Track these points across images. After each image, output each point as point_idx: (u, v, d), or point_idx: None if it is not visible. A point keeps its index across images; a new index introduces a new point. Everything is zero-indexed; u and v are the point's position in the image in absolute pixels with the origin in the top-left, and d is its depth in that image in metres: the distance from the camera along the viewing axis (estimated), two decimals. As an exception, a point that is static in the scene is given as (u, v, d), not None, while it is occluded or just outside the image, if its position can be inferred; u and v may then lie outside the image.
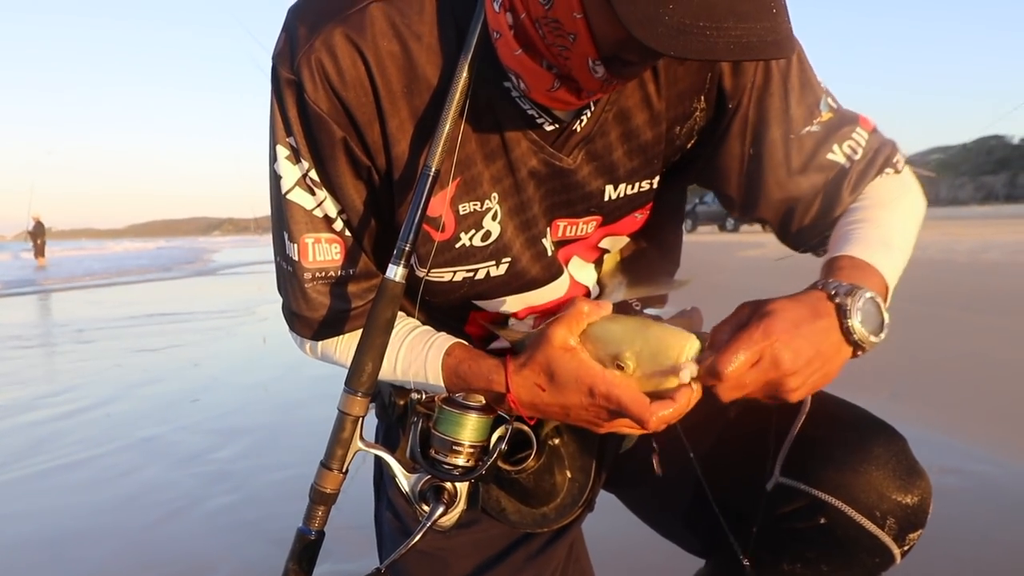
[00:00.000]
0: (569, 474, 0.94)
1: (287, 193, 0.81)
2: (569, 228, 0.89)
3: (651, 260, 1.02)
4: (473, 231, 0.83)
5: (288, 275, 0.86)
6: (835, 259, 0.79)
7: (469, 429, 0.79)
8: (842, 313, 0.72)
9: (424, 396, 0.83)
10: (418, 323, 0.90)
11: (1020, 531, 1.85)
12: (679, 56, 0.57)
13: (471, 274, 0.86)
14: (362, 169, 0.80)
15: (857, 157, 0.87)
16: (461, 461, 0.79)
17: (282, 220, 0.83)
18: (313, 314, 0.86)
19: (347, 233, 0.84)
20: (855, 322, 0.71)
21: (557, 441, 0.92)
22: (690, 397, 0.70)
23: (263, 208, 0.87)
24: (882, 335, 0.73)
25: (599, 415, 0.75)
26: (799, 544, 0.83)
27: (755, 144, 0.86)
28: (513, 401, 0.78)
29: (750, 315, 0.72)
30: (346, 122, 0.77)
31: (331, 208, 0.82)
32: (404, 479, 0.80)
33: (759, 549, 0.84)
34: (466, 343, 0.86)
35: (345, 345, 0.89)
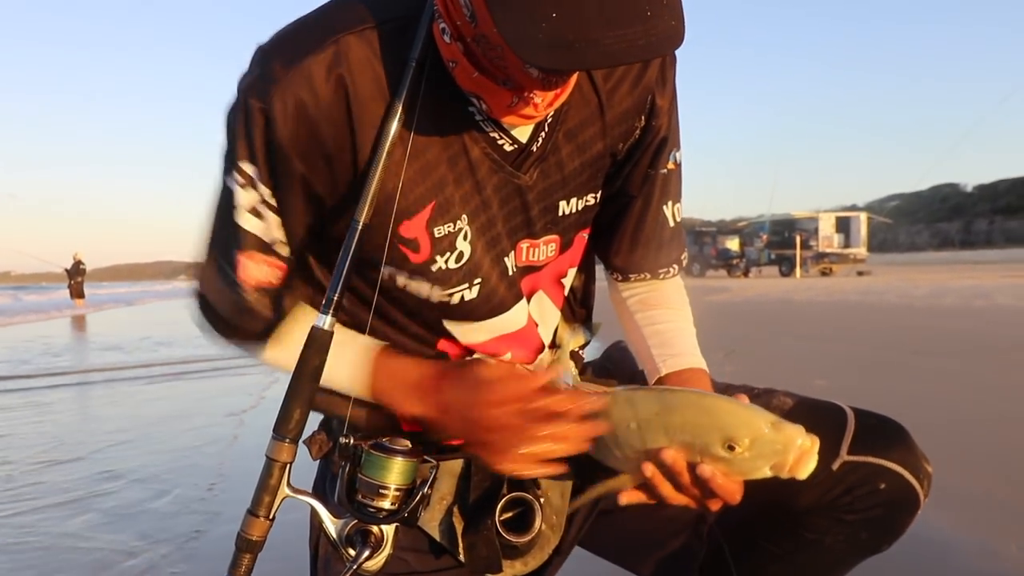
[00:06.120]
0: (546, 525, 0.93)
1: (236, 212, 0.81)
2: (532, 251, 0.93)
3: (588, 298, 1.08)
4: (448, 253, 0.86)
5: (230, 283, 0.84)
6: (699, 372, 0.97)
7: (395, 473, 0.81)
8: None
9: (352, 441, 0.83)
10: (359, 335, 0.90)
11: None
12: (549, 69, 0.66)
13: (447, 299, 0.88)
14: (313, 199, 0.82)
15: (675, 224, 1.02)
16: (386, 504, 0.81)
17: (229, 235, 0.83)
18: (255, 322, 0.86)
19: (290, 256, 0.85)
20: None
21: (543, 500, 0.92)
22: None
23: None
24: None
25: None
26: (847, 514, 0.92)
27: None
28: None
29: None
30: (314, 153, 0.78)
31: (278, 232, 0.83)
32: (331, 524, 0.81)
33: (805, 532, 0.93)
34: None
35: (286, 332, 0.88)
